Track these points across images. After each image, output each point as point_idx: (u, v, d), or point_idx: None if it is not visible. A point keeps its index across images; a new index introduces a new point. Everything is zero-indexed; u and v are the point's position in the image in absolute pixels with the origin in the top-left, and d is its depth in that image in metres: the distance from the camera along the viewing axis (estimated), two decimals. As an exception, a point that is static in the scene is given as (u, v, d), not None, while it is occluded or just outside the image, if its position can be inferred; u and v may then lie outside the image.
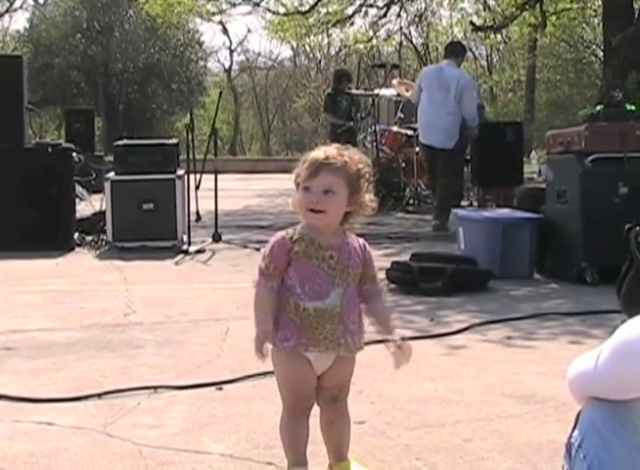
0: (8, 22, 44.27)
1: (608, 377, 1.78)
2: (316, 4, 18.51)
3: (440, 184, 10.00)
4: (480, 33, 24.12)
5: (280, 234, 2.67)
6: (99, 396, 3.66)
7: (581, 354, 1.96)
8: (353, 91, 13.13)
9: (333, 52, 37.53)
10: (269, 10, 20.13)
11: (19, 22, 65.27)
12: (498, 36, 27.43)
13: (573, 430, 1.87)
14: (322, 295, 2.61)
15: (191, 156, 8.83)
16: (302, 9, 19.08)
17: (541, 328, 5.06)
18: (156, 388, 3.77)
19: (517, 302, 5.90)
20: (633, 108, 7.43)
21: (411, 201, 12.40)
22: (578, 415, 1.87)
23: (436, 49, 31.36)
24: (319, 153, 2.63)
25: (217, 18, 23.53)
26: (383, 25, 21.32)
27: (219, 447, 3.08)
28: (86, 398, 3.64)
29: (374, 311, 2.73)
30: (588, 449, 1.82)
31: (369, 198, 2.68)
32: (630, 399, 1.81)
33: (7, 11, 36.48)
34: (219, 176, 8.85)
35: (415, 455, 3.01)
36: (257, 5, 19.58)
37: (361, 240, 2.74)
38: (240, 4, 19.62)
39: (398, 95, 13.52)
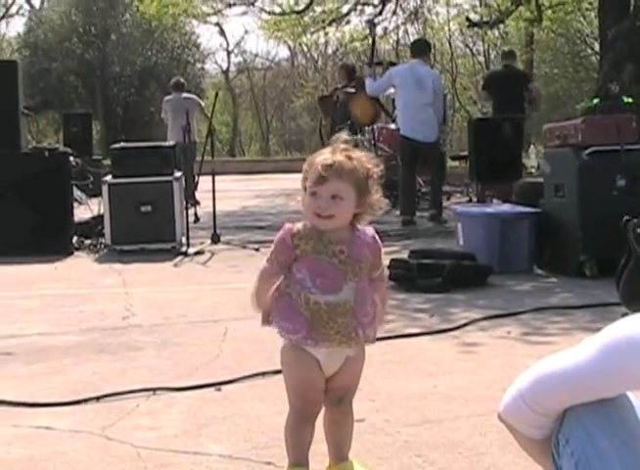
0: (5, 27, 44.38)
1: (597, 374, 1.76)
2: (311, 3, 18.48)
3: (437, 175, 10.89)
4: (476, 29, 24.09)
5: (286, 228, 2.63)
6: (97, 399, 3.66)
7: (533, 367, 1.94)
8: (349, 89, 13.08)
9: (330, 51, 37.47)
10: (264, 10, 20.11)
11: (16, 27, 65.34)
12: (495, 32, 27.36)
13: (560, 426, 1.86)
14: (334, 288, 2.58)
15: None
16: (298, 8, 19.05)
17: (541, 322, 5.05)
18: (154, 390, 3.76)
19: (516, 296, 5.88)
20: (630, 100, 7.42)
21: (410, 198, 12.35)
22: (565, 411, 1.86)
23: (434, 45, 31.27)
24: (327, 158, 2.59)
25: (213, 19, 23.52)
26: (379, 23, 21.26)
27: (218, 448, 3.07)
28: (85, 401, 3.64)
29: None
30: (575, 445, 1.80)
31: (378, 198, 2.65)
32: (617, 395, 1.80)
33: (3, 16, 36.48)
34: (218, 178, 8.84)
35: (414, 452, 3.00)
36: (252, 5, 19.55)
37: (371, 230, 2.70)
38: (234, 4, 19.59)
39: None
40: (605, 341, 1.77)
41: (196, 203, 10.72)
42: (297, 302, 2.59)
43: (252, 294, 2.67)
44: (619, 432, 1.77)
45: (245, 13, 20.74)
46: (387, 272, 2.76)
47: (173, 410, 3.52)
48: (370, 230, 2.70)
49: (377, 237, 2.71)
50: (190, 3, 19.08)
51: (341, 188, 2.56)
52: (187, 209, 8.69)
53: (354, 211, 2.62)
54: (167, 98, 14.16)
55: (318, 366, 2.64)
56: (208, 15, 20.70)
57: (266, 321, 2.69)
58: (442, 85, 10.55)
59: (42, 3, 35.65)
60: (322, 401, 2.70)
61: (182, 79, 14.75)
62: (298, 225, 2.64)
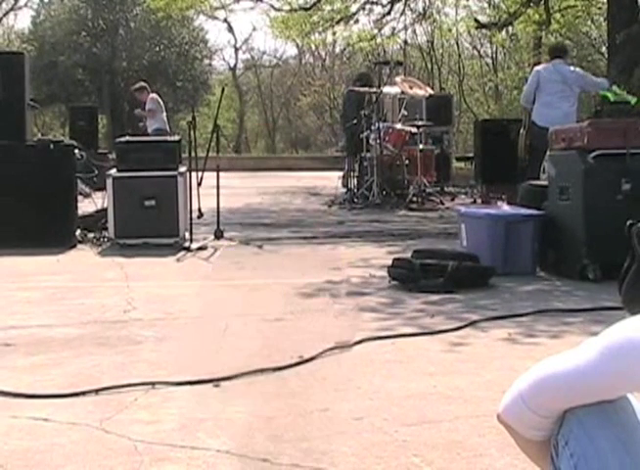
0: (13, 20, 44.43)
1: (598, 376, 1.75)
2: (319, 0, 18.47)
3: None
4: (485, 31, 24.07)
5: None
6: (96, 391, 3.65)
7: (534, 367, 1.92)
8: (357, 88, 13.10)
9: (338, 50, 37.45)
10: (272, 6, 20.12)
11: (23, 20, 65.35)
12: (503, 34, 27.33)
13: (560, 427, 1.85)
14: None
15: (193, 153, 8.83)
16: (306, 5, 19.05)
17: (542, 325, 5.03)
18: (153, 384, 3.75)
19: (518, 298, 5.87)
20: (635, 99, 7.40)
21: (414, 198, 12.37)
22: (565, 412, 1.85)
23: (442, 46, 31.25)
24: None
25: (220, 13, 23.54)
26: (387, 23, 21.27)
27: (215, 443, 3.06)
28: (83, 393, 3.62)
29: None
30: (575, 447, 1.79)
31: None
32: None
33: (12, 9, 36.52)
34: (223, 174, 8.83)
35: (412, 452, 2.99)
36: (260, 0, 19.57)
37: None
38: (243, -2, 19.67)
39: (402, 92, 13.53)
40: (606, 343, 1.76)
41: None
42: None
43: None
44: (620, 434, 1.76)
45: (252, 8, 20.77)
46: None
47: (171, 405, 3.51)
48: None
49: None
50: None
51: None
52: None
53: None
54: None
55: None
56: (217, 9, 20.71)
57: None
58: (588, 81, 10.48)
59: (51, -4, 35.63)
60: None
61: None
62: None
